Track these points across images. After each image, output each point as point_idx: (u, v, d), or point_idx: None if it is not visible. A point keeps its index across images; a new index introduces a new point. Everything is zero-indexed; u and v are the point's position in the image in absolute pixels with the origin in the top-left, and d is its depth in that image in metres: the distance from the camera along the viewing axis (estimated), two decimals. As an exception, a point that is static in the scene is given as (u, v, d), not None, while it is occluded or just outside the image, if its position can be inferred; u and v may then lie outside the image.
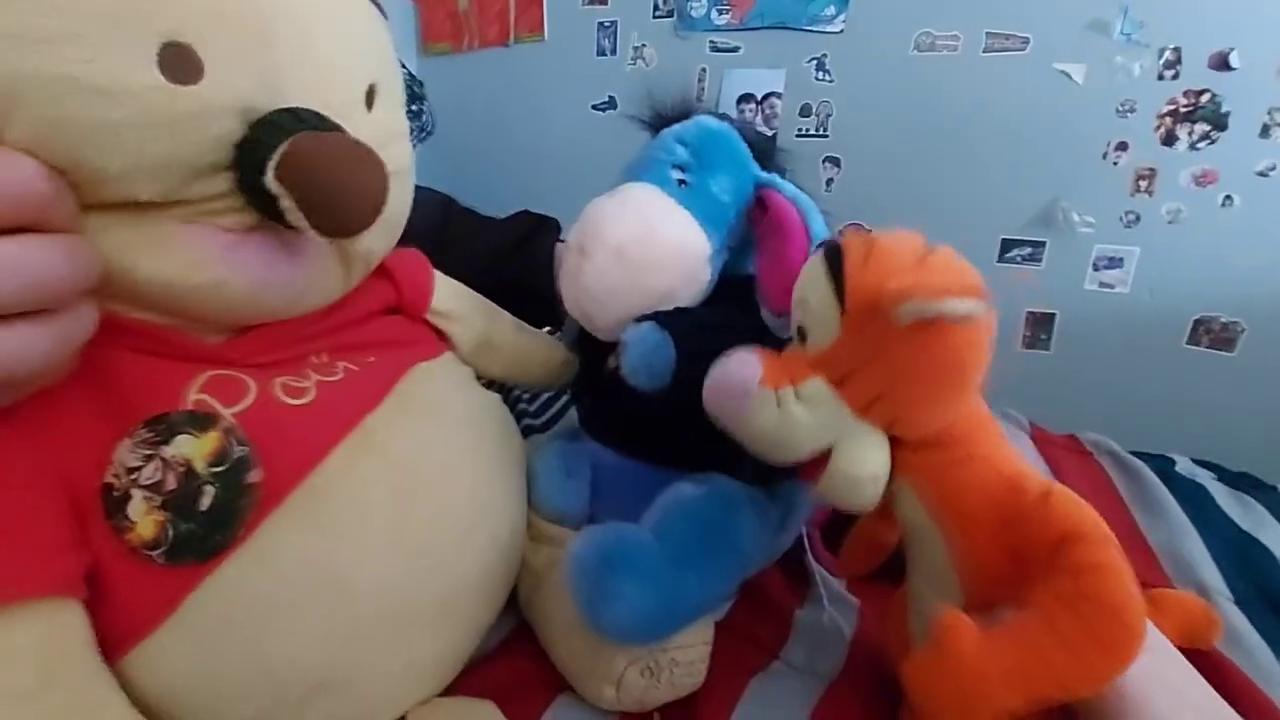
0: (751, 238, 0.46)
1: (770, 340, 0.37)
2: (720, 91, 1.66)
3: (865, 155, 1.58)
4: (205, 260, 0.29)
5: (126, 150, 0.26)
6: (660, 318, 0.41)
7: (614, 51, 1.76)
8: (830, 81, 1.58)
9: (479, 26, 1.86)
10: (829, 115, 1.60)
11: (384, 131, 0.36)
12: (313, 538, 0.32)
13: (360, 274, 0.39)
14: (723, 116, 0.49)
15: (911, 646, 0.35)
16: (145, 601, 0.29)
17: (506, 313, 0.53)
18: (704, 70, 1.67)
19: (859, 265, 0.31)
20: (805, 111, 1.61)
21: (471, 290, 0.50)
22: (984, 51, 1.43)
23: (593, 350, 0.47)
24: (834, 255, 0.32)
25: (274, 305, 0.33)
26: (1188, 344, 1.41)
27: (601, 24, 1.75)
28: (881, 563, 0.44)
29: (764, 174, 0.47)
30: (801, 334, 0.34)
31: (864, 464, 0.32)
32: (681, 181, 0.45)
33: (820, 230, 0.42)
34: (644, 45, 1.73)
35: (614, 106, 1.79)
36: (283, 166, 0.27)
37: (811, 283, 0.33)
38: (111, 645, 0.28)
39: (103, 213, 0.27)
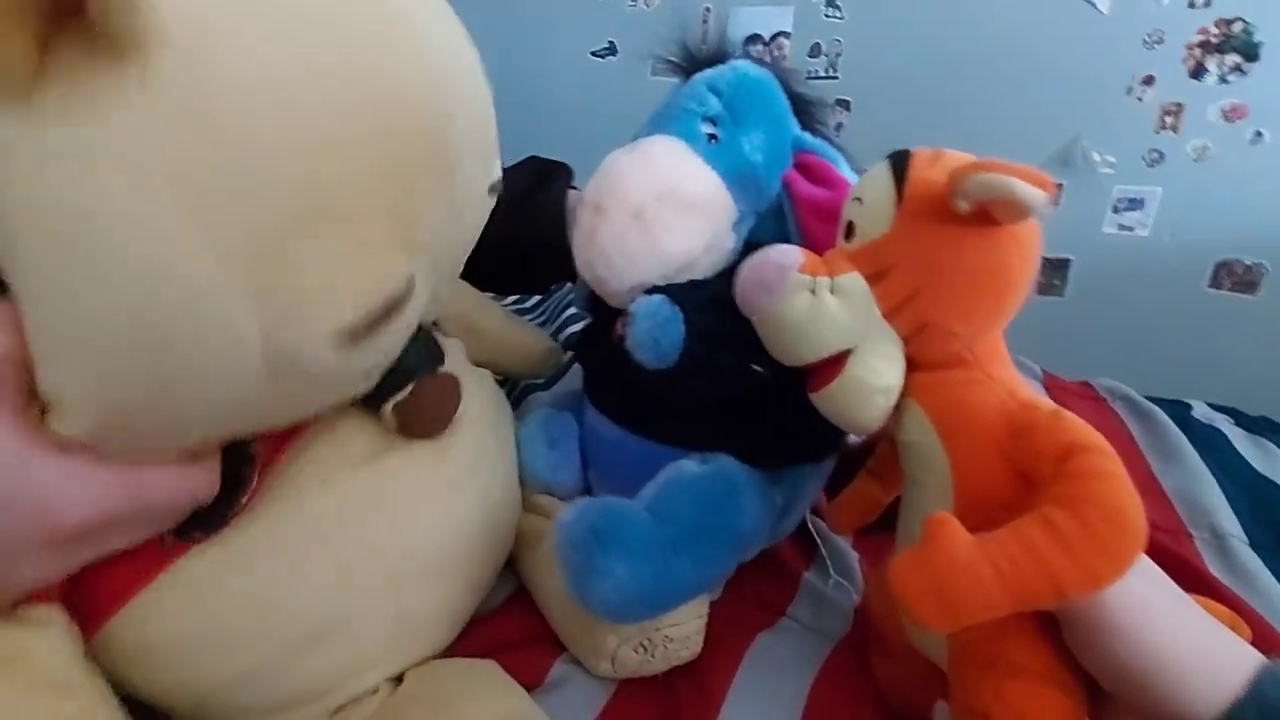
0: (785, 203, 0.43)
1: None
2: (725, 32, 1.59)
3: (876, 97, 1.51)
4: None
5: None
6: (674, 291, 0.38)
7: (613, -8, 1.68)
8: (841, 19, 1.51)
9: (471, -31, 1.78)
10: (839, 55, 1.53)
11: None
12: (311, 489, 0.33)
13: None
14: (762, 62, 0.46)
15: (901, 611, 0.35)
16: (136, 561, 0.29)
17: (496, 304, 0.55)
18: (708, 10, 1.60)
19: (926, 164, 0.31)
20: (815, 52, 1.54)
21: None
22: (1003, -20, 1.36)
23: (604, 311, 0.45)
24: (900, 156, 0.32)
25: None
26: (1209, 288, 1.38)
27: (599, -38, 1.67)
28: (873, 519, 0.44)
29: (808, 137, 0.44)
30: (849, 231, 0.34)
31: (879, 374, 0.32)
32: (711, 136, 0.42)
33: None
34: (644, -15, 1.65)
35: (614, 53, 1.72)
36: (401, 406, 0.35)
37: (872, 180, 0.33)
38: (104, 602, 0.29)
39: None
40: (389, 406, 0.35)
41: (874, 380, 0.32)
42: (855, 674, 0.40)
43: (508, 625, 0.42)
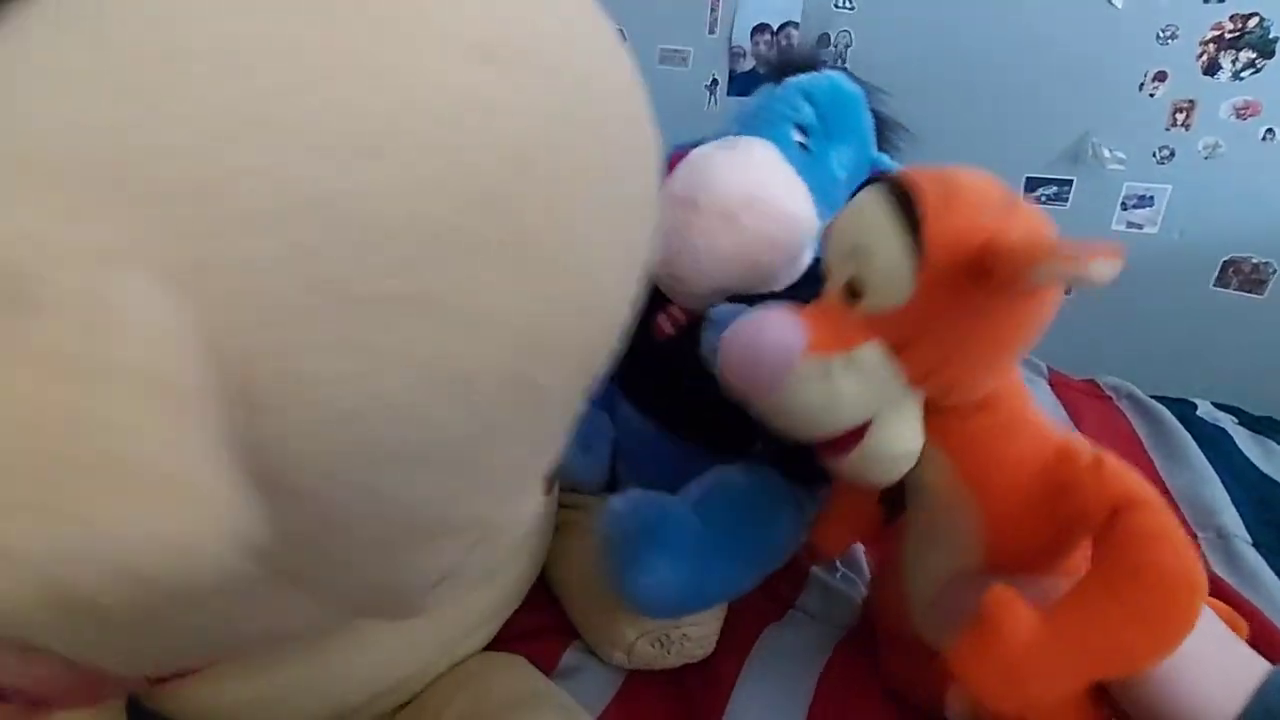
0: None
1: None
2: (734, 21, 1.57)
3: (886, 89, 1.49)
4: None
5: None
6: (753, 302, 0.37)
7: (621, -21, 1.66)
8: (851, 9, 1.49)
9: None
10: (848, 46, 1.52)
11: None
12: None
13: None
14: (854, 78, 0.46)
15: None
16: None
17: None
18: (717, -2, 1.58)
19: (940, 209, 0.26)
20: (823, 43, 1.53)
21: None
22: (1017, -27, 1.34)
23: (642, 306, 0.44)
24: (904, 197, 0.27)
25: None
26: (1215, 286, 1.37)
27: (608, -51, 1.65)
28: (863, 536, 0.43)
29: (885, 158, 0.44)
30: (853, 290, 0.29)
31: (902, 440, 0.30)
32: (802, 145, 0.41)
33: None
34: (652, -29, 1.63)
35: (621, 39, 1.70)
36: None
37: (874, 229, 0.28)
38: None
39: None
40: None
41: (897, 448, 0.30)
42: (863, 664, 0.40)
43: (518, 614, 0.43)
